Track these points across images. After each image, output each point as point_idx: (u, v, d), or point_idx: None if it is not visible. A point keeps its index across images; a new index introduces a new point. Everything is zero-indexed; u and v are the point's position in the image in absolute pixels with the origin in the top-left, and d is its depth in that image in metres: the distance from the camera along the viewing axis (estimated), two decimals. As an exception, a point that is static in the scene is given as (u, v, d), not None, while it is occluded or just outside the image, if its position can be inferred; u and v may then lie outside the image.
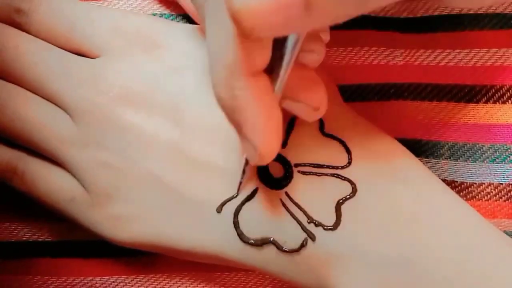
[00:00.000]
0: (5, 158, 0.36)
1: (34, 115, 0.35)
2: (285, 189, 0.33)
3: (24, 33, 0.36)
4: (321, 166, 0.33)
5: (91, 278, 0.39)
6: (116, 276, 0.39)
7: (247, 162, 0.33)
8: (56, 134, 0.35)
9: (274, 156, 0.29)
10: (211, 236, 0.34)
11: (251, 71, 0.27)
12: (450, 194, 0.34)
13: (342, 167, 0.33)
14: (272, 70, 0.28)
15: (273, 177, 0.34)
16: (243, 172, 0.33)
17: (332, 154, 0.34)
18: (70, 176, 0.36)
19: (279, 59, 0.28)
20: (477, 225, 0.34)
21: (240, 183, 0.34)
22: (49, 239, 0.39)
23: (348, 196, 0.33)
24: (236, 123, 0.28)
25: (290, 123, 0.34)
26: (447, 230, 0.33)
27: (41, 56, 0.36)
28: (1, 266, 0.39)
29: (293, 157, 0.34)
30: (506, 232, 0.38)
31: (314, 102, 0.32)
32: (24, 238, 0.39)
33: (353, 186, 0.33)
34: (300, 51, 0.30)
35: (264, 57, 0.27)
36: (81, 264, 0.39)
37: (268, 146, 0.29)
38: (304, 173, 0.33)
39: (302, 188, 0.33)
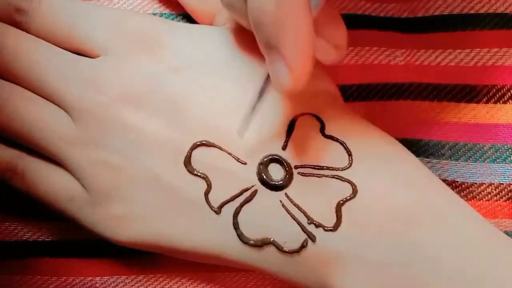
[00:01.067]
0: (5, 158, 0.36)
1: (34, 115, 0.35)
2: (285, 190, 0.33)
3: (24, 32, 0.36)
4: (322, 168, 0.33)
5: (91, 278, 0.39)
6: (116, 276, 0.39)
7: (262, 92, 0.32)
8: (56, 134, 0.35)
9: (306, 83, 0.29)
10: (211, 236, 0.34)
11: None
12: (451, 195, 0.34)
13: (343, 169, 0.33)
14: None
15: (273, 179, 0.34)
16: (254, 107, 0.33)
17: (333, 156, 0.34)
18: (70, 175, 0.36)
19: None
20: (477, 226, 0.34)
21: (246, 120, 0.33)
22: (49, 239, 0.39)
23: (348, 197, 0.33)
24: (274, 40, 0.28)
25: (290, 124, 0.34)
26: (447, 231, 0.33)
27: (41, 56, 0.36)
28: (1, 266, 0.39)
29: (293, 159, 0.34)
30: (506, 232, 0.38)
31: (337, 39, 0.32)
32: (24, 238, 0.39)
33: (353, 187, 0.33)
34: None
35: None
36: (81, 264, 0.39)
37: (305, 67, 0.28)
38: (304, 174, 0.33)
39: (302, 189, 0.33)
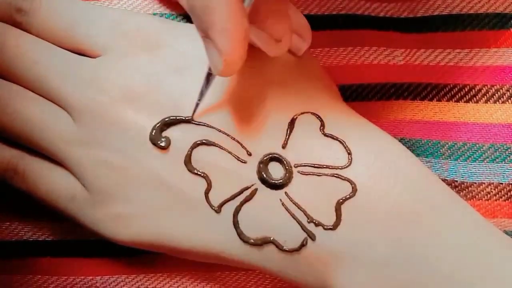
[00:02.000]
0: (6, 157, 0.36)
1: (34, 115, 0.35)
2: (285, 189, 0.33)
3: (25, 32, 0.36)
4: (321, 167, 0.33)
5: (91, 277, 0.39)
6: (117, 276, 0.39)
7: (208, 77, 0.33)
8: (56, 133, 0.35)
9: (239, 66, 0.30)
10: (211, 235, 0.34)
11: None
12: (450, 194, 0.34)
13: (342, 168, 0.33)
14: None
15: (272, 177, 0.34)
16: (201, 92, 0.34)
17: (332, 155, 0.34)
18: (70, 175, 0.36)
19: None
20: (476, 225, 0.34)
21: (197, 104, 0.34)
22: (50, 239, 0.39)
23: (348, 196, 0.33)
24: (205, 26, 0.29)
25: (290, 123, 0.34)
26: (446, 230, 0.33)
27: (42, 56, 0.36)
28: (2, 266, 0.39)
29: (293, 158, 0.34)
30: (506, 232, 0.38)
31: (278, 33, 0.33)
32: (24, 238, 0.39)
33: (353, 186, 0.33)
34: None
35: None
36: (82, 263, 0.39)
37: (234, 52, 0.29)
38: (304, 173, 0.34)
39: (302, 188, 0.33)
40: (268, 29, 0.32)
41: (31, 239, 0.39)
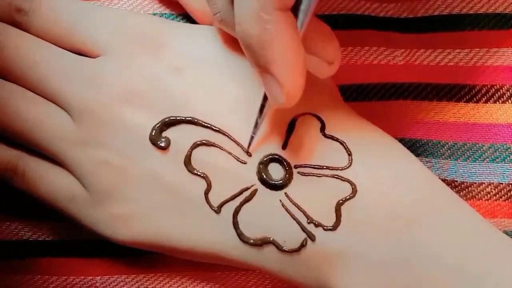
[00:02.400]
0: (5, 157, 0.36)
1: (34, 115, 0.35)
2: (285, 190, 0.33)
3: (25, 32, 0.36)
4: (321, 167, 0.34)
5: (91, 277, 0.39)
6: (116, 276, 0.39)
7: (262, 108, 0.33)
8: (56, 133, 0.35)
9: (299, 96, 0.30)
10: (211, 235, 0.34)
11: (281, 6, 0.28)
12: (451, 194, 0.34)
13: (342, 168, 0.33)
14: (295, 11, 0.29)
15: (272, 178, 0.34)
16: (256, 123, 0.33)
17: (333, 156, 0.34)
18: (70, 175, 0.36)
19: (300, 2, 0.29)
20: (476, 225, 0.34)
21: (252, 137, 0.34)
22: (50, 239, 0.39)
23: (348, 197, 0.33)
24: (263, 61, 0.29)
25: (291, 124, 0.34)
26: (446, 230, 0.33)
27: (42, 56, 0.36)
28: (2, 266, 0.39)
29: (293, 158, 0.34)
30: (506, 232, 0.38)
31: (329, 55, 0.32)
32: (24, 238, 0.39)
33: (353, 187, 0.33)
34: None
35: None
36: (82, 263, 0.39)
37: (296, 83, 0.29)
38: (304, 174, 0.34)
39: (302, 189, 0.33)
40: (320, 53, 0.32)
41: (31, 239, 0.39)
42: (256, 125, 0.33)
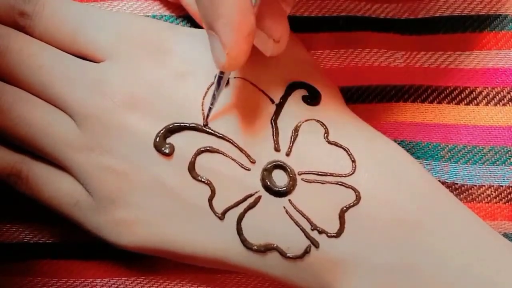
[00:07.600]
0: (9, 162, 0.36)
1: (38, 119, 0.35)
2: (289, 196, 0.33)
3: (28, 36, 0.36)
4: (325, 174, 0.33)
5: (91, 280, 0.39)
6: (117, 278, 0.39)
7: (219, 80, 0.33)
8: (60, 139, 0.35)
9: (242, 62, 0.30)
10: (214, 241, 0.34)
11: None
12: (452, 200, 0.34)
13: (346, 175, 0.33)
14: None
15: (276, 185, 0.34)
16: (213, 95, 0.34)
17: (336, 162, 0.34)
18: (74, 180, 0.36)
19: None
20: (479, 230, 0.34)
21: (210, 108, 0.34)
22: (50, 241, 0.39)
23: (352, 204, 0.33)
24: (211, 16, 0.29)
25: (294, 130, 0.34)
26: (450, 236, 0.33)
27: (45, 60, 0.36)
28: (2, 268, 0.39)
29: (297, 165, 0.34)
30: (506, 234, 0.38)
31: (277, 33, 0.33)
32: (25, 240, 0.39)
33: (357, 193, 0.33)
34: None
35: None
36: (82, 266, 0.39)
37: (237, 47, 0.29)
38: (308, 181, 0.34)
39: (305, 196, 0.33)
40: (267, 29, 0.32)
41: (32, 242, 0.39)
42: (214, 97, 0.34)
